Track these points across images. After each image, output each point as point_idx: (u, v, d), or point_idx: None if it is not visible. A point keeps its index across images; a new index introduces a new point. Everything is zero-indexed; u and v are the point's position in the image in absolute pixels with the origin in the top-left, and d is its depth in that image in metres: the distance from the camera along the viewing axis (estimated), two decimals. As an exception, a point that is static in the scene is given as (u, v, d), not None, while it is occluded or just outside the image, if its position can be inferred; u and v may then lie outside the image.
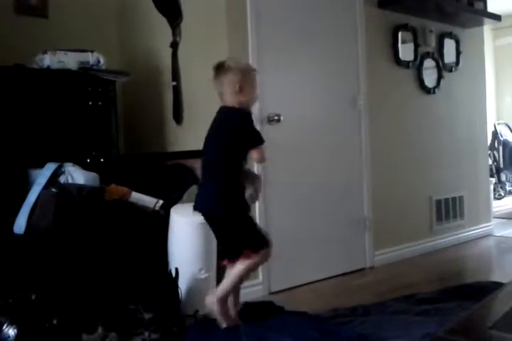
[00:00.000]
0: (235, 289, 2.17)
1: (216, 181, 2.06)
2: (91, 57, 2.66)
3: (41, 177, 2.32)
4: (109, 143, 2.79)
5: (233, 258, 2.09)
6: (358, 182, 3.27)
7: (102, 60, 2.70)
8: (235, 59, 2.19)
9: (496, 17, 4.04)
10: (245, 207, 2.09)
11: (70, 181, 2.33)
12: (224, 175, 2.04)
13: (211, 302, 2.10)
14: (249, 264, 2.05)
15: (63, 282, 2.15)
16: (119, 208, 2.42)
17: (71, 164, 2.41)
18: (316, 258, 3.00)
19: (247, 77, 2.06)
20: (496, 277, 2.84)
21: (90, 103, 2.68)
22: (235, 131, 2.04)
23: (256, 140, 2.02)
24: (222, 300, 2.08)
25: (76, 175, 2.33)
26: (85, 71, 2.65)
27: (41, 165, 2.40)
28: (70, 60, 2.60)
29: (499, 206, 5.47)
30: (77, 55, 2.63)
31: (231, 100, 2.07)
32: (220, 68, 2.08)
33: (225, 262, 2.16)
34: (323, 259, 3.03)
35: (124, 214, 2.42)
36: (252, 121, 2.07)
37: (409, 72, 3.64)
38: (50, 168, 2.34)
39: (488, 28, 5.87)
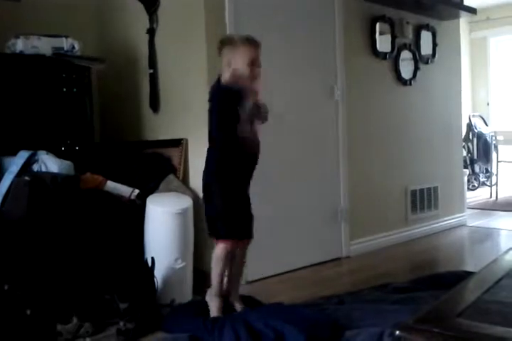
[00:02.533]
0: (230, 280, 2.18)
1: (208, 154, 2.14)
2: (65, 43, 2.61)
3: (14, 165, 2.28)
4: (84, 130, 2.75)
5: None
6: (334, 172, 3.29)
7: (76, 46, 2.65)
8: (239, 34, 2.17)
9: (472, 10, 4.09)
10: (234, 189, 2.12)
11: (43, 169, 2.29)
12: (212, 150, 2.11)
13: (208, 298, 2.11)
14: (217, 251, 2.08)
15: (37, 272, 2.12)
16: (94, 197, 2.39)
17: (44, 152, 2.37)
18: (292, 247, 3.02)
19: (235, 49, 2.02)
20: (469, 266, 2.90)
21: (64, 90, 2.63)
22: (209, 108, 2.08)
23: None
24: (217, 295, 2.09)
25: (50, 164, 2.30)
26: (59, 57, 2.59)
27: (14, 153, 2.35)
28: (43, 46, 2.54)
29: (473, 197, 5.58)
30: (51, 41, 2.58)
31: (222, 76, 2.05)
32: (219, 47, 2.08)
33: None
34: (299, 249, 3.05)
35: (100, 203, 2.40)
36: (217, 94, 2.04)
37: (386, 63, 3.67)
38: (23, 155, 2.30)
39: (464, 21, 5.95)
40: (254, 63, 2.04)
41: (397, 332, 0.80)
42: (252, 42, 2.05)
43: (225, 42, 2.06)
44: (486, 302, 0.89)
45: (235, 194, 2.12)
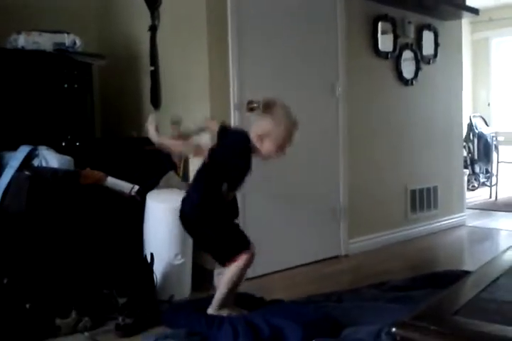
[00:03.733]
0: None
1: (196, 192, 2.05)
2: (67, 39, 2.61)
3: (14, 160, 2.28)
4: (85, 126, 2.76)
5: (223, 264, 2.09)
6: (334, 170, 3.29)
7: (78, 42, 2.65)
8: (287, 108, 2.07)
9: (474, 11, 4.08)
10: (223, 216, 2.07)
11: (43, 164, 2.30)
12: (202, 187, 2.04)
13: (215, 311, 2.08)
14: (241, 263, 2.03)
15: (36, 266, 2.13)
16: (94, 192, 2.40)
17: (45, 147, 2.37)
18: (291, 245, 3.02)
19: (278, 133, 1.98)
20: (467, 266, 2.90)
21: (66, 85, 2.64)
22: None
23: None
24: (222, 307, 2.06)
25: (50, 159, 2.30)
26: (61, 53, 2.59)
27: (14, 148, 2.36)
28: (45, 41, 2.55)
29: (472, 197, 5.58)
30: (52, 36, 2.58)
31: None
32: (265, 107, 2.00)
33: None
34: (298, 246, 3.06)
35: (99, 199, 2.40)
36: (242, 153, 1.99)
37: (388, 62, 3.67)
38: (23, 150, 2.31)
39: (466, 21, 5.94)
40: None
41: (394, 330, 0.80)
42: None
43: (275, 116, 1.99)
44: (483, 300, 0.89)
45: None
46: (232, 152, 2.01)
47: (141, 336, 2.03)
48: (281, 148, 2.02)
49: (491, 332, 0.77)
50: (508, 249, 1.28)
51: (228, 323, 1.91)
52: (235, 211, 2.14)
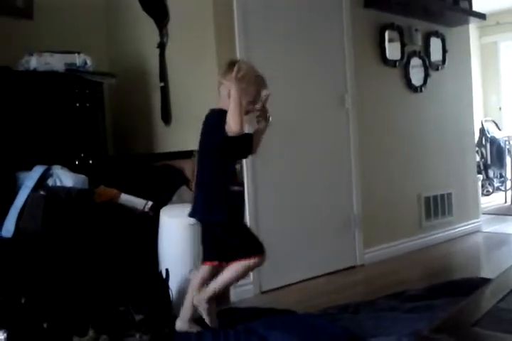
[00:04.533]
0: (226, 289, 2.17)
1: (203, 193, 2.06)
2: (78, 59, 2.65)
3: (29, 180, 2.31)
4: (98, 144, 2.79)
5: (227, 261, 2.07)
6: (347, 180, 3.28)
7: (88, 62, 2.69)
8: (247, 64, 2.08)
9: (481, 16, 4.08)
10: (237, 216, 2.07)
11: (58, 184, 2.32)
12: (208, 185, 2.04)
13: (199, 300, 2.08)
14: (242, 267, 2.02)
15: (53, 285, 2.14)
16: (109, 210, 2.41)
17: (59, 166, 2.40)
18: (306, 256, 3.01)
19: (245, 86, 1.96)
20: (485, 273, 2.87)
21: (77, 105, 2.67)
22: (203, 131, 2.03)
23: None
24: (211, 300, 2.08)
25: (64, 178, 2.33)
26: (72, 73, 2.64)
27: (29, 168, 2.39)
28: (56, 62, 2.59)
29: (487, 202, 5.53)
30: (63, 57, 2.62)
31: (220, 104, 2.02)
32: (227, 67, 2.02)
33: (214, 263, 2.14)
34: (313, 258, 3.05)
35: (114, 216, 2.42)
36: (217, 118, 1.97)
37: (396, 70, 3.67)
38: (38, 170, 2.34)
39: (473, 26, 5.92)
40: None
41: (412, 343, 0.80)
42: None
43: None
44: (502, 310, 0.88)
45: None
46: (211, 126, 2.03)
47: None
48: (252, 102, 2.02)
49: (511, 343, 0.76)
50: (525, 256, 1.27)
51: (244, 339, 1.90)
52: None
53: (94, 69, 2.74)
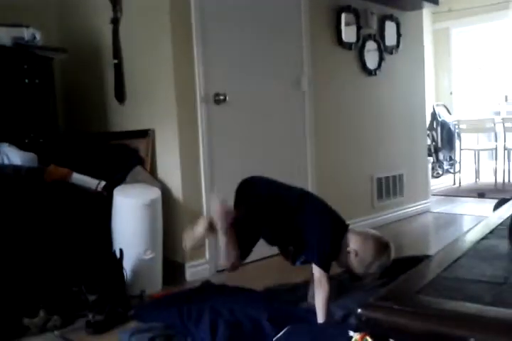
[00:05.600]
0: None
1: None
2: (26, 33, 2.55)
3: (-25, 158, 2.23)
4: (48, 122, 2.70)
5: None
6: (302, 161, 3.32)
7: (38, 36, 2.59)
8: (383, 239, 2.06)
9: (434, 1, 4.16)
10: None
11: (6, 162, 2.25)
12: None
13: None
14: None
15: (2, 265, 2.08)
16: (60, 189, 2.36)
17: (7, 144, 2.32)
18: (261, 236, 3.04)
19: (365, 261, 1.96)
20: (433, 251, 2.97)
21: (26, 81, 2.58)
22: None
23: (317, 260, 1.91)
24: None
25: (12, 156, 2.25)
26: (20, 47, 2.53)
27: (-26, 146, 2.30)
28: (3, 35, 2.48)
29: (437, 184, 5.73)
30: (10, 30, 2.52)
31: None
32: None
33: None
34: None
35: (66, 195, 2.37)
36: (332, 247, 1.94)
37: (352, 53, 3.71)
38: (-16, 148, 2.25)
39: (427, 12, 6.05)
40: None
41: (359, 311, 0.82)
42: None
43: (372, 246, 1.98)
44: (445, 279, 0.92)
45: None
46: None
47: (112, 332, 2.01)
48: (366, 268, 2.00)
49: (453, 308, 0.79)
50: (467, 231, 1.33)
51: (207, 316, 1.92)
52: None
53: (44, 43, 2.64)
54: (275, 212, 2.02)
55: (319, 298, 1.86)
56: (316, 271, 1.89)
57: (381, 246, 1.99)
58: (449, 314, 0.78)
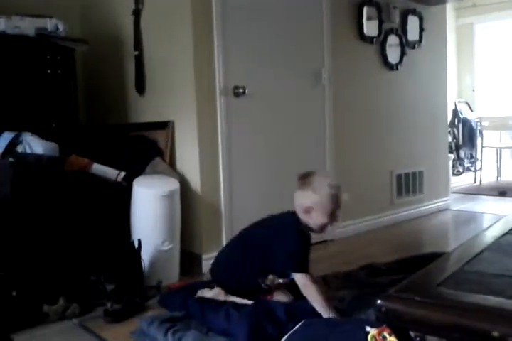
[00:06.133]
0: None
1: None
2: (49, 24, 2.57)
3: (-3, 146, 2.26)
4: (69, 113, 2.73)
5: None
6: (320, 155, 3.30)
7: (60, 27, 2.61)
8: (324, 177, 2.04)
9: (459, -4, 4.10)
10: None
11: (28, 151, 2.28)
12: None
13: None
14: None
15: (23, 253, 2.11)
16: (80, 179, 2.38)
17: (29, 133, 2.35)
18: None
19: (322, 204, 1.92)
20: (452, 248, 2.93)
21: (49, 71, 2.60)
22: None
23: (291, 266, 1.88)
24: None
25: (34, 145, 2.28)
26: (43, 38, 2.55)
27: (-3, 135, 2.33)
28: (26, 26, 2.50)
29: (457, 182, 5.65)
30: (34, 21, 2.54)
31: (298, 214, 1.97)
32: (301, 180, 1.97)
33: None
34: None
35: (86, 186, 2.39)
36: (298, 244, 1.91)
37: (373, 47, 3.67)
38: (6, 137, 2.28)
39: (451, 7, 5.95)
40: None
41: (379, 302, 0.81)
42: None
43: (314, 188, 1.93)
44: (466, 272, 0.91)
45: None
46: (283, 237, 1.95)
47: (130, 321, 2.03)
48: (333, 216, 1.96)
49: (473, 301, 0.78)
50: (489, 227, 1.30)
51: (224, 309, 1.92)
52: None
53: (66, 34, 2.66)
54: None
55: (314, 300, 1.81)
56: (297, 278, 1.85)
57: (320, 184, 1.94)
58: (470, 307, 0.77)
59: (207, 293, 2.11)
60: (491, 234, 1.20)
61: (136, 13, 2.84)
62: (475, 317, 0.74)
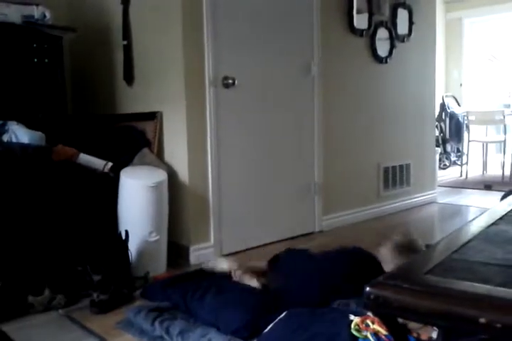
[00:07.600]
0: None
1: None
2: (36, 11, 2.53)
3: (-18, 135, 2.23)
4: (57, 102, 2.69)
5: None
6: (309, 147, 3.31)
7: (48, 15, 2.58)
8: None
9: (448, -11, 4.11)
10: None
11: (13, 140, 2.25)
12: None
13: None
14: None
15: (8, 244, 2.09)
16: (67, 169, 2.36)
17: (15, 122, 2.32)
18: (266, 221, 3.04)
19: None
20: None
21: (36, 60, 2.56)
22: None
23: None
24: None
25: (20, 134, 2.25)
26: (30, 25, 2.52)
27: (-18, 123, 2.30)
28: (12, 13, 2.47)
29: (444, 175, 5.70)
30: (20, 8, 2.50)
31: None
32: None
33: None
34: (273, 223, 3.08)
35: (72, 176, 2.37)
36: None
37: (363, 40, 3.67)
38: (-8, 125, 2.25)
39: (440, 1, 5.97)
40: None
41: (367, 289, 0.82)
42: None
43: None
44: (454, 260, 0.92)
45: None
46: None
47: (116, 312, 2.02)
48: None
49: (461, 288, 0.79)
50: (477, 216, 1.31)
51: (209, 296, 1.92)
52: None
53: (54, 22, 2.62)
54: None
55: None
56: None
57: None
58: (458, 294, 0.77)
59: (222, 264, 2.11)
60: (477, 225, 1.21)
61: (125, 2, 2.81)
62: (463, 304, 0.75)
